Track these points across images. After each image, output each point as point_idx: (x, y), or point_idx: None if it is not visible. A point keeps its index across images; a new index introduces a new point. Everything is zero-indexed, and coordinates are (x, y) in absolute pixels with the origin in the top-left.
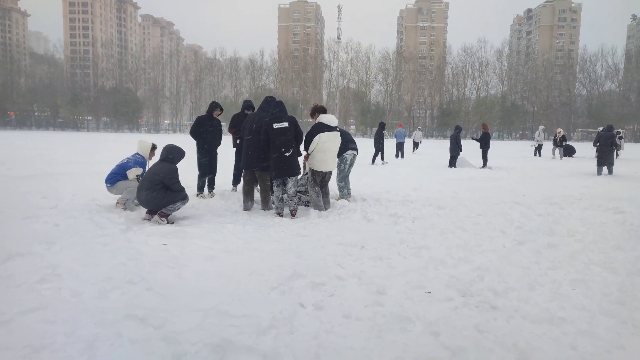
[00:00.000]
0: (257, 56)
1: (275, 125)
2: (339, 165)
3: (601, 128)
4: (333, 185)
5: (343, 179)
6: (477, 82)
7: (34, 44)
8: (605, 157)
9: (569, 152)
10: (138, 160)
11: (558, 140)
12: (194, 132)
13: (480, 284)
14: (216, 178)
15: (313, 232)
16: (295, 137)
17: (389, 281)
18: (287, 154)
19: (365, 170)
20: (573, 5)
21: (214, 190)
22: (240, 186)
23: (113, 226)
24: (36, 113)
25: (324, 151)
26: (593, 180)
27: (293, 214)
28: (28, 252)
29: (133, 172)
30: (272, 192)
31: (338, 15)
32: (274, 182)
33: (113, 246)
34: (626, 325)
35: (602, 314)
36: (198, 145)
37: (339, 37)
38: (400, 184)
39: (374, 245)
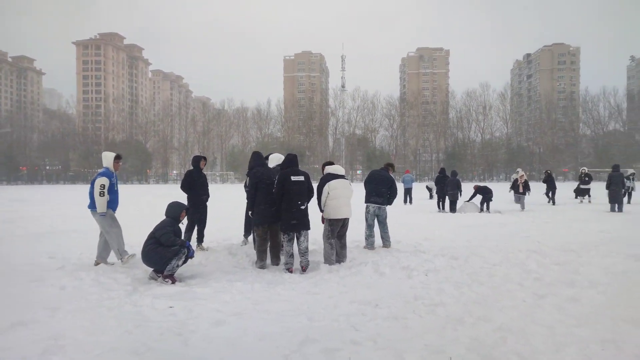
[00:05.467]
0: (264, 106)
1: (293, 178)
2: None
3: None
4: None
5: (368, 227)
6: (482, 125)
7: (47, 101)
8: (617, 196)
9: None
10: (101, 172)
11: (520, 186)
12: (185, 187)
13: (503, 347)
14: (226, 230)
15: (324, 289)
16: (308, 192)
17: (406, 345)
18: (302, 207)
19: None
20: (571, 48)
21: (203, 244)
22: (250, 238)
23: (119, 287)
24: (47, 167)
25: (336, 198)
26: (610, 225)
27: (304, 269)
28: (32, 320)
29: (97, 183)
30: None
31: (342, 65)
32: (284, 236)
33: (119, 311)
34: None
35: None
36: (189, 199)
37: (343, 86)
38: (410, 232)
39: (388, 303)
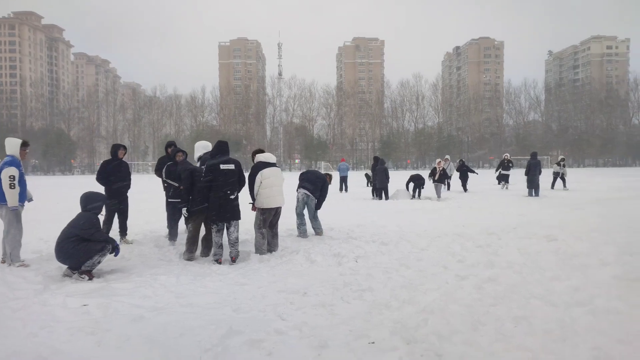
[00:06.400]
0: (199, 93)
1: (223, 167)
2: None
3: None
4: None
5: (298, 216)
6: (415, 115)
7: None
8: (534, 181)
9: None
10: (7, 161)
11: (437, 175)
12: (102, 178)
13: (425, 329)
14: (154, 222)
15: (253, 279)
16: (239, 181)
17: (331, 331)
18: (232, 197)
19: None
20: (496, 42)
21: (127, 236)
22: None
23: (28, 286)
24: None
25: (269, 187)
26: (527, 209)
27: (233, 259)
28: None
29: (5, 174)
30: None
31: (278, 52)
32: (213, 226)
33: (25, 312)
34: None
35: (545, 353)
36: (106, 190)
37: (280, 74)
38: (344, 219)
39: (316, 291)
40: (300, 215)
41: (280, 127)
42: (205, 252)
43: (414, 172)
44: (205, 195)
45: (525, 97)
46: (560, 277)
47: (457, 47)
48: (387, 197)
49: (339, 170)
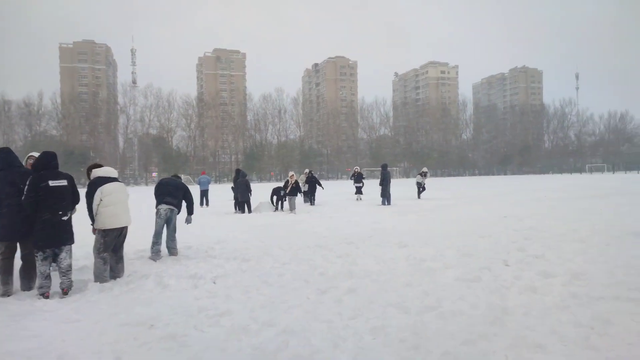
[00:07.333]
0: (35, 99)
1: (53, 183)
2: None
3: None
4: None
5: (156, 234)
6: (278, 128)
7: None
8: (386, 191)
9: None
10: None
11: (289, 187)
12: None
13: (285, 352)
14: None
15: (89, 313)
16: (72, 198)
17: None
18: (65, 218)
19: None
20: (350, 62)
21: None
22: None
23: None
24: None
25: (112, 204)
26: (380, 217)
27: (65, 291)
28: None
29: None
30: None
31: (132, 59)
32: (38, 254)
33: None
34: None
35: None
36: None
37: (134, 82)
38: (203, 236)
39: (166, 320)
40: (158, 234)
41: (135, 138)
42: (27, 285)
43: (276, 185)
44: (28, 217)
45: (376, 114)
46: (413, 283)
47: (316, 64)
48: (249, 211)
49: (199, 183)
